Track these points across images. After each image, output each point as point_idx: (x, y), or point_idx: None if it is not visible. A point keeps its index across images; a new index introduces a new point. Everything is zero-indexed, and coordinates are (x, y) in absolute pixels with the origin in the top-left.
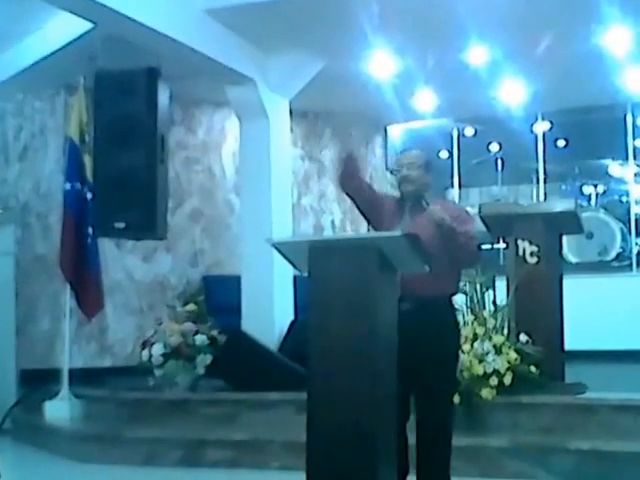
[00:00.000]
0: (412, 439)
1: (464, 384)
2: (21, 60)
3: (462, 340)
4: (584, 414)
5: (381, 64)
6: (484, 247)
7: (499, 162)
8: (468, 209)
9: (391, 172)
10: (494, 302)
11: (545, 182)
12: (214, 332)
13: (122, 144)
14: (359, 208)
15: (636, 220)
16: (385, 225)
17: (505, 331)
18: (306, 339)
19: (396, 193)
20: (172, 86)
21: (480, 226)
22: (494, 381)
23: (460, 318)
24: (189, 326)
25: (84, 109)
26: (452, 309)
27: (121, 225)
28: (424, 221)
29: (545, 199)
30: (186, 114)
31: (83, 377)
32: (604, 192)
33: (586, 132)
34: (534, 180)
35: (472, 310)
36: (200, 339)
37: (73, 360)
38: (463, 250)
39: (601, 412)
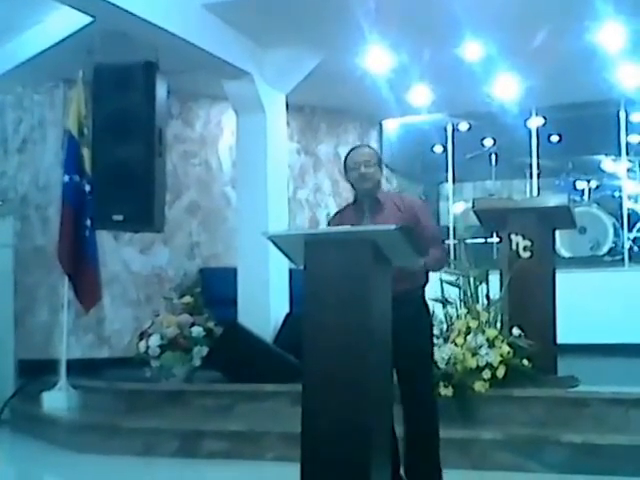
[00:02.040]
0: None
1: (457, 377)
2: (21, 53)
3: (449, 332)
4: (576, 407)
5: (377, 59)
6: (476, 241)
7: (493, 157)
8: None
9: (345, 171)
10: (487, 296)
11: (539, 177)
12: (210, 324)
13: (120, 137)
14: None
15: (628, 215)
16: None
17: (498, 325)
18: (301, 331)
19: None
20: (170, 80)
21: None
22: (487, 374)
23: (452, 311)
24: (186, 318)
25: (83, 102)
26: (424, 299)
27: (119, 217)
28: (385, 217)
29: (538, 194)
30: (184, 108)
31: (81, 368)
32: (597, 187)
33: (580, 128)
34: (528, 175)
35: (465, 304)
36: (196, 331)
37: (71, 351)
38: (440, 268)
39: (593, 405)
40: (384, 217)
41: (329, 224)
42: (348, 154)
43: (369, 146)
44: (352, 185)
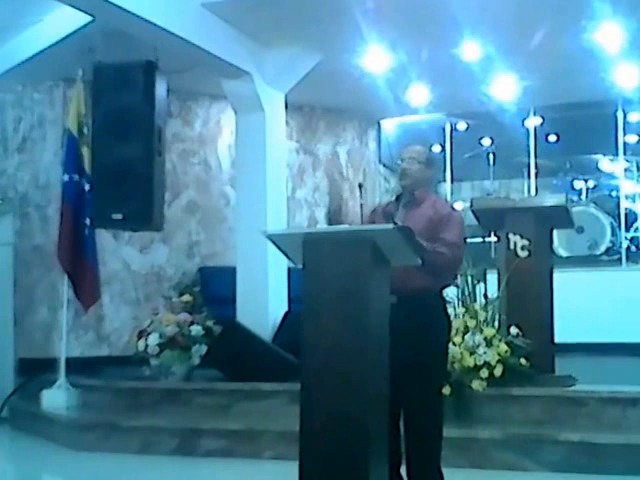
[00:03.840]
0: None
1: (455, 376)
2: (21, 52)
3: (452, 333)
4: (573, 406)
5: (375, 59)
6: (474, 241)
7: (491, 156)
8: (456, 206)
9: (394, 164)
10: (485, 295)
11: (536, 177)
12: (209, 323)
13: (120, 136)
14: None
15: (626, 215)
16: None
17: (496, 324)
18: (300, 330)
19: (391, 197)
20: (169, 79)
21: (462, 229)
22: (485, 373)
23: (451, 311)
24: (185, 316)
25: (82, 101)
26: (441, 302)
27: (118, 216)
28: (416, 215)
29: (536, 193)
30: (183, 107)
31: (80, 366)
32: (594, 187)
33: (577, 127)
34: (525, 174)
35: (463, 303)
36: (195, 329)
37: (70, 349)
38: (437, 267)
39: (590, 404)
40: (416, 215)
41: (375, 209)
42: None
43: (423, 146)
44: (398, 180)
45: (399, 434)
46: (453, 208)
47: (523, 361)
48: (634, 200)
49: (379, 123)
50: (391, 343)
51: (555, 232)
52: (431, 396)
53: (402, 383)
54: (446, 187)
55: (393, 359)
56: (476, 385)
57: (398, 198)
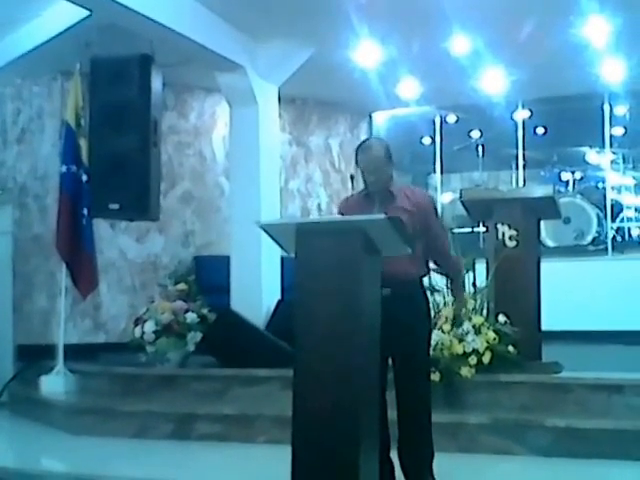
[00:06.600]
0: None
1: (444, 363)
2: (20, 46)
3: (442, 321)
4: (560, 392)
5: (367, 53)
6: (463, 231)
7: (480, 148)
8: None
9: (356, 164)
10: (474, 284)
11: (524, 168)
12: (204, 310)
13: (116, 128)
14: None
15: (612, 206)
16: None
17: (484, 312)
18: (292, 318)
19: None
20: (165, 72)
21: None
22: (473, 360)
23: (440, 299)
24: (180, 304)
25: (80, 94)
26: (423, 290)
27: (115, 206)
28: (394, 209)
29: (524, 185)
30: (178, 99)
31: (78, 353)
32: (581, 178)
33: (565, 120)
34: (514, 166)
35: (453, 291)
36: (190, 317)
37: (68, 336)
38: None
39: (576, 391)
40: (395, 208)
41: (339, 209)
42: (358, 149)
43: (379, 142)
44: (363, 179)
45: (387, 417)
46: (425, 193)
47: (511, 348)
48: (620, 191)
49: (370, 116)
50: (385, 333)
51: (542, 223)
52: (426, 380)
53: (394, 370)
54: (436, 178)
55: (392, 348)
56: (465, 372)
57: (367, 192)
